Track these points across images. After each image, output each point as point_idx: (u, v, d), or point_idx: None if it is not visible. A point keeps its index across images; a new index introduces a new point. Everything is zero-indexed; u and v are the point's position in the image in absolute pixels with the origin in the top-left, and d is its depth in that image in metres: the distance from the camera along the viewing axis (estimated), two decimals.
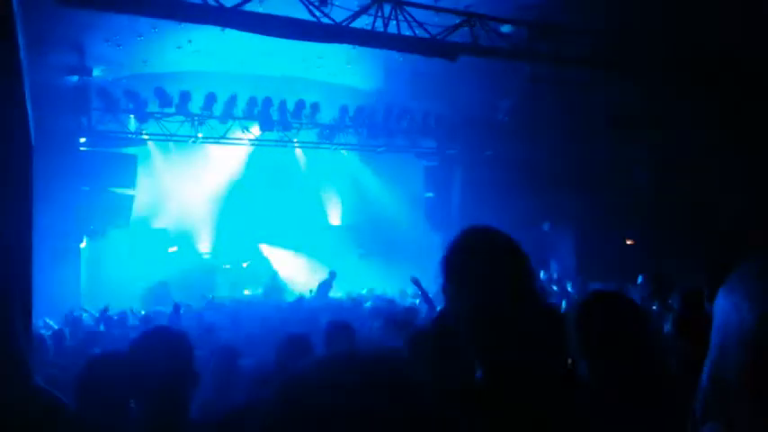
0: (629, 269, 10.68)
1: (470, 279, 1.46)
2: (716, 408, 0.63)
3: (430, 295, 6.50)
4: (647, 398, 1.82)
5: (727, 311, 0.63)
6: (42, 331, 6.48)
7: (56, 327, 7.37)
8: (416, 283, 6.80)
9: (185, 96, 12.01)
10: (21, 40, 4.32)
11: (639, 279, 10.44)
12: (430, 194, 15.25)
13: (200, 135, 12.90)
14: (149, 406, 2.01)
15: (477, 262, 1.48)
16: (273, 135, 13.62)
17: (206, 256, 14.91)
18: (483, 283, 1.44)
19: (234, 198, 15.35)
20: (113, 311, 8.54)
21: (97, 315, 8.42)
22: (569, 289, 10.34)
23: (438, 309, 6.31)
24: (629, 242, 13.23)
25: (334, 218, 17.00)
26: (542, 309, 1.50)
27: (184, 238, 14.75)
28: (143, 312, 8.98)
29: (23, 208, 4.34)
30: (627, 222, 12.68)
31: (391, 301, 9.85)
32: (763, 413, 0.58)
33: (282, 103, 12.86)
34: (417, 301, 8.85)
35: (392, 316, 5.95)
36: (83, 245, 11.71)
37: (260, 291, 13.84)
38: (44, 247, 7.25)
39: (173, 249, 14.44)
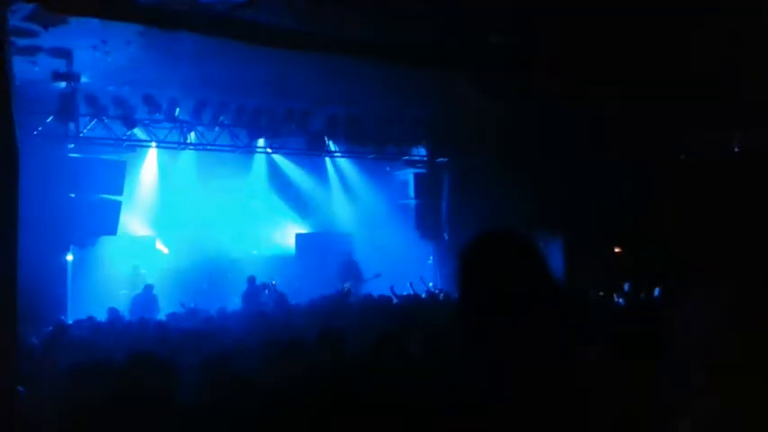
0: (615, 276, 10.71)
1: (487, 279, 1.46)
2: (680, 405, 0.65)
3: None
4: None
5: (682, 320, 0.65)
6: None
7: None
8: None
9: (173, 103, 11.97)
10: (6, 46, 4.31)
11: (626, 287, 10.51)
12: (419, 202, 15.23)
13: (189, 141, 12.86)
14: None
15: (495, 262, 1.47)
16: (263, 142, 13.60)
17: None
18: (499, 283, 1.44)
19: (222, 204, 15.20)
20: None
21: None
22: None
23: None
24: (616, 250, 13.31)
25: (323, 224, 16.87)
26: (557, 309, 1.49)
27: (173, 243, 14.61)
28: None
29: (9, 216, 4.30)
30: (614, 230, 12.74)
31: None
32: (718, 411, 0.60)
33: (272, 110, 12.82)
34: None
35: None
36: (69, 258, 11.52)
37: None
38: (30, 255, 7.16)
39: (162, 247, 14.35)
